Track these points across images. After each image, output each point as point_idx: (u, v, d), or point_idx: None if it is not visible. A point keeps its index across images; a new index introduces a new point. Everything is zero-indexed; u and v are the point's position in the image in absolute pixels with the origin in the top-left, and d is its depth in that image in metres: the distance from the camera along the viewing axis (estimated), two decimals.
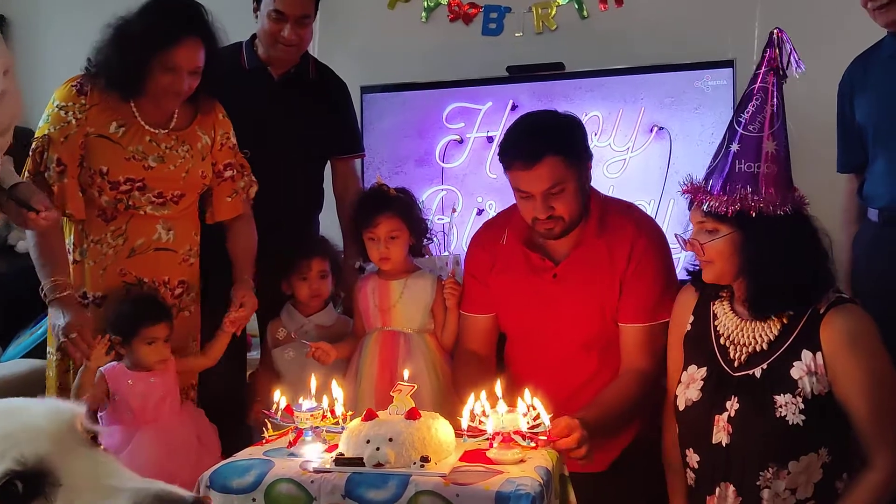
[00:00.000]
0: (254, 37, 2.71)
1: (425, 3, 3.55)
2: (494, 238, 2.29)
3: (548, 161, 2.00)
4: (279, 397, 1.79)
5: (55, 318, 2.08)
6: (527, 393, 1.71)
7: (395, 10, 3.60)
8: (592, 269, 2.11)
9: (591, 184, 2.21)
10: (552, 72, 3.16)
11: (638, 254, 2.08)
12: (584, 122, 2.24)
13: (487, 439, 1.66)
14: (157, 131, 2.23)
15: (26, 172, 2.15)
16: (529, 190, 2.04)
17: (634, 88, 3.04)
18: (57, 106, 2.17)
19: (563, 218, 2.06)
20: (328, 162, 2.87)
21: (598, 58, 3.19)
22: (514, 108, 3.15)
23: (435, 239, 3.09)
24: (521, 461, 1.59)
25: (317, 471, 1.57)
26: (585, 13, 3.39)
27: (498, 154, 2.14)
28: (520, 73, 3.19)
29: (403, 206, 2.39)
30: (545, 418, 1.66)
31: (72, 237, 2.23)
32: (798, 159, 2.89)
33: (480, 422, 1.68)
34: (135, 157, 2.19)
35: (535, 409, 1.68)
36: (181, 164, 2.25)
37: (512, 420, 1.63)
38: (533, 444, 1.64)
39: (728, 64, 2.93)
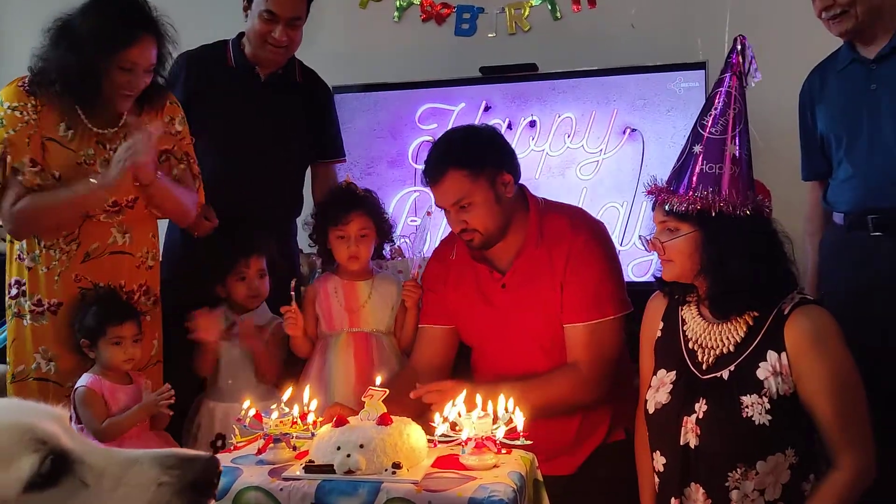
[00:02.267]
0: (241, 35, 2.67)
1: (397, 3, 3.53)
2: (447, 253, 2.31)
3: (450, 176, 2.07)
4: (247, 404, 1.75)
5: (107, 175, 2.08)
6: (501, 399, 1.70)
7: (367, 10, 3.57)
8: (536, 275, 2.12)
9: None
10: (525, 73, 3.16)
11: (575, 253, 2.10)
12: (502, 133, 2.31)
13: (459, 444, 1.64)
14: (104, 131, 2.17)
15: None
16: (440, 205, 2.13)
17: (607, 90, 3.04)
18: (9, 107, 2.09)
19: (478, 230, 2.10)
20: (308, 166, 2.83)
21: (572, 59, 3.19)
22: (487, 108, 3.15)
23: (408, 241, 3.09)
24: (495, 466, 1.58)
25: (286, 478, 1.54)
26: (558, 14, 3.39)
27: None
28: (493, 74, 3.18)
29: (373, 206, 2.38)
30: (518, 423, 1.65)
31: (23, 243, 2.17)
32: (770, 163, 2.94)
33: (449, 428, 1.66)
34: (86, 162, 2.13)
35: (508, 413, 1.67)
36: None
37: (484, 425, 1.62)
38: (505, 451, 1.62)
39: (700, 66, 2.94)
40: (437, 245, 2.44)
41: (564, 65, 3.15)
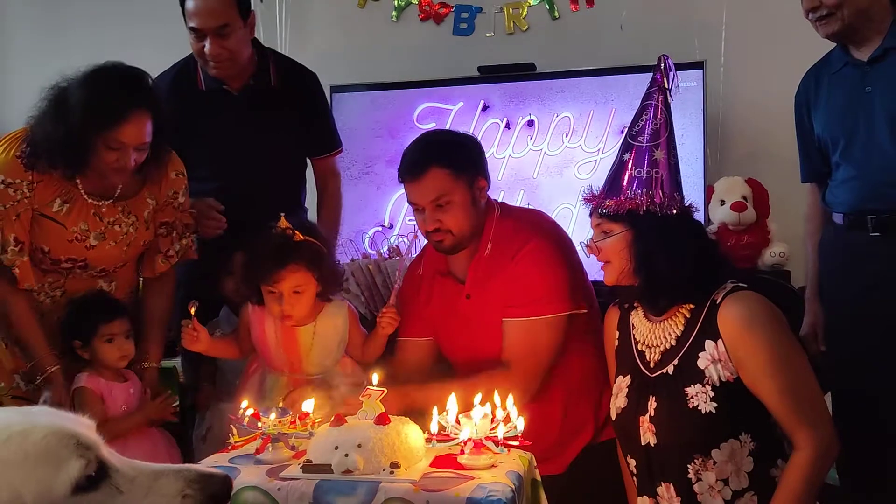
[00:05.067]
0: None
1: (396, 3, 3.53)
2: (416, 270, 2.31)
3: (433, 172, 2.07)
4: (245, 404, 1.75)
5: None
6: (498, 399, 1.70)
7: (365, 9, 3.57)
8: (493, 282, 2.12)
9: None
10: (523, 72, 3.16)
11: (523, 252, 2.10)
12: (480, 143, 2.26)
13: (459, 444, 1.64)
14: (100, 203, 2.13)
15: None
16: (418, 201, 2.11)
17: (605, 89, 3.05)
18: (2, 182, 2.02)
19: (451, 231, 2.10)
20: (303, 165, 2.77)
21: (569, 58, 3.19)
22: (485, 108, 3.15)
23: (405, 239, 3.08)
24: (493, 466, 1.58)
25: (284, 478, 1.53)
26: (556, 14, 3.39)
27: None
28: (491, 74, 3.19)
29: (312, 255, 2.05)
30: (519, 423, 1.65)
31: None
32: (769, 165, 2.95)
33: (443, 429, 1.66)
34: (77, 238, 2.11)
35: (506, 412, 1.67)
36: (123, 238, 2.17)
37: (483, 426, 1.62)
38: (505, 451, 1.63)
39: (698, 66, 2.94)
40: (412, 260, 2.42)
41: (562, 64, 3.15)
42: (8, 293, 2.06)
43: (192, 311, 2.07)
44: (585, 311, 2.13)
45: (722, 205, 2.87)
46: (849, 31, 2.13)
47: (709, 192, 2.91)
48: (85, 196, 2.11)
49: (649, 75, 2.94)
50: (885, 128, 2.10)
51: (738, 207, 2.82)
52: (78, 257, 2.13)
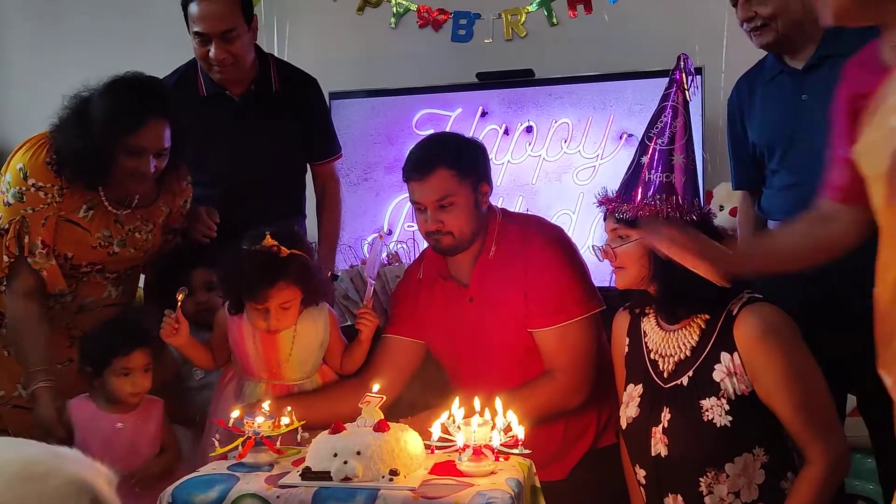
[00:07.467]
0: None
1: (394, 9, 3.53)
2: (415, 273, 2.30)
3: (439, 172, 2.07)
4: (236, 413, 1.75)
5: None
6: (498, 406, 1.70)
7: (364, 16, 3.57)
8: (498, 285, 2.12)
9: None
10: (522, 78, 3.16)
11: (533, 258, 2.10)
12: (486, 147, 2.28)
13: (457, 451, 1.64)
14: (119, 212, 2.17)
15: (4, 257, 2.05)
16: (421, 201, 2.10)
17: (603, 95, 3.05)
18: (33, 185, 2.05)
19: (452, 233, 2.10)
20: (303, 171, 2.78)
21: (568, 65, 3.19)
22: (483, 114, 3.15)
23: (405, 246, 3.08)
24: (492, 473, 1.58)
25: (283, 485, 1.53)
26: (555, 20, 3.39)
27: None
28: (489, 80, 3.19)
29: (300, 269, 2.00)
30: (518, 431, 1.64)
31: None
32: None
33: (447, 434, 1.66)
34: (101, 245, 2.14)
35: (507, 421, 1.67)
36: (142, 245, 2.23)
37: (483, 434, 1.61)
38: (503, 458, 1.62)
39: (696, 72, 2.93)
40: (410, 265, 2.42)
41: (561, 70, 3.15)
42: (22, 299, 2.06)
43: (180, 297, 2.01)
44: (605, 307, 2.13)
45: (721, 210, 2.87)
46: (783, 41, 2.14)
47: (708, 197, 2.91)
48: (106, 204, 2.14)
49: (648, 81, 2.99)
50: (825, 135, 2.09)
51: (736, 213, 2.82)
52: (98, 261, 2.16)
